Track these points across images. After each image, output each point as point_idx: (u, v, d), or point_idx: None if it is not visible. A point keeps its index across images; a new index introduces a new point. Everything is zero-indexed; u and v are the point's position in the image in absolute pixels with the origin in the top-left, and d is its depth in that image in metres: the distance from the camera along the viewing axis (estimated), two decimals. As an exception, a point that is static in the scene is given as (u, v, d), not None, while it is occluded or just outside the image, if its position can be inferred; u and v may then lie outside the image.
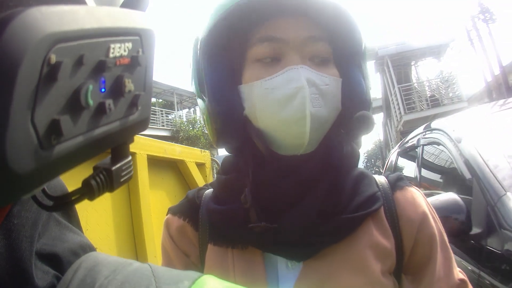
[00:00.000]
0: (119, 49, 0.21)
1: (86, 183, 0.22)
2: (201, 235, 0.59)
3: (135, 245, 1.69)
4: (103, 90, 0.20)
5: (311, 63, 0.54)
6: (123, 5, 0.25)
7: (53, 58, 0.17)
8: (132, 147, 1.86)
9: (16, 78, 0.15)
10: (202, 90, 0.57)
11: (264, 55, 0.54)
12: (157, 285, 0.28)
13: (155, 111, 17.90)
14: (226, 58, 0.56)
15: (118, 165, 0.23)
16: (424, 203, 0.59)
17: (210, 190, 0.63)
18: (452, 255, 0.58)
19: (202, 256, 0.59)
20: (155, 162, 1.89)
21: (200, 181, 2.20)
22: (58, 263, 0.32)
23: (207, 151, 2.48)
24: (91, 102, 0.19)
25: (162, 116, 18.26)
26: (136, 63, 0.22)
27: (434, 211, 0.60)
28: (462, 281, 0.56)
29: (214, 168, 2.59)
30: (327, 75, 0.54)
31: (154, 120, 17.36)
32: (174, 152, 2.08)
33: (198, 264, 0.59)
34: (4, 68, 0.15)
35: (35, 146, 0.17)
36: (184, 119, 18.63)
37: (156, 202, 1.84)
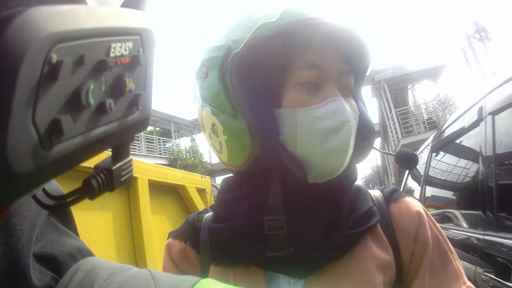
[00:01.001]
0: (119, 49, 0.21)
1: (86, 182, 0.22)
2: (202, 257, 0.60)
3: (137, 270, 1.69)
4: (103, 89, 0.20)
5: (342, 95, 0.54)
6: (123, 5, 0.26)
7: (54, 58, 0.17)
8: (134, 172, 1.89)
9: (17, 77, 0.15)
10: (233, 107, 0.53)
11: (309, 80, 0.53)
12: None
13: (153, 139, 17.86)
14: (262, 78, 0.54)
15: (118, 165, 0.23)
16: (419, 213, 0.58)
17: (209, 214, 0.63)
18: (456, 263, 0.56)
19: (205, 277, 0.59)
20: (156, 187, 1.89)
21: (200, 206, 2.21)
22: (56, 265, 0.32)
23: (208, 177, 2.49)
24: (91, 101, 0.19)
25: (160, 145, 18.31)
26: (136, 62, 0.22)
27: (433, 219, 0.59)
28: None
29: (214, 194, 2.60)
30: (354, 109, 0.55)
31: (151, 148, 17.43)
32: (175, 178, 2.08)
33: None
34: (5, 68, 0.15)
35: (36, 146, 0.17)
36: (182, 148, 18.66)
37: (158, 226, 1.84)
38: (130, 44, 0.22)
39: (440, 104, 12.55)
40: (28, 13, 0.16)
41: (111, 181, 0.23)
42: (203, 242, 0.60)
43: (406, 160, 0.62)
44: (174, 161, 16.05)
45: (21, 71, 0.15)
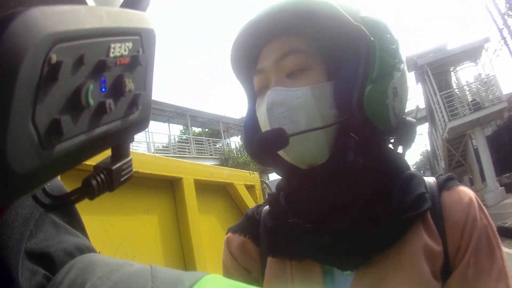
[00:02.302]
0: (119, 49, 0.21)
1: (86, 182, 0.22)
2: (262, 250, 0.60)
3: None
4: (103, 89, 0.20)
5: (290, 78, 0.55)
6: (123, 5, 0.26)
7: (54, 58, 0.17)
8: (178, 172, 1.65)
9: (17, 77, 0.15)
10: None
11: (258, 88, 0.59)
12: (152, 285, 0.27)
13: (202, 141, 18.07)
14: (250, 85, 0.62)
15: (118, 165, 0.23)
16: (472, 204, 0.54)
17: (267, 207, 0.64)
18: (502, 262, 0.52)
19: (264, 270, 0.59)
20: (203, 186, 1.84)
21: (250, 203, 2.14)
22: (50, 263, 0.31)
23: (256, 172, 2.43)
24: (91, 101, 0.19)
25: (210, 146, 18.32)
26: (136, 62, 0.22)
27: (485, 211, 0.56)
28: None
29: (265, 190, 2.57)
30: (297, 87, 0.53)
31: (202, 149, 17.50)
32: (222, 176, 2.02)
33: (260, 279, 0.60)
34: (5, 68, 0.15)
35: (36, 146, 0.17)
36: (233, 147, 18.71)
37: (206, 227, 1.80)
38: (130, 44, 0.22)
39: (482, 84, 12.43)
40: (28, 13, 0.16)
41: (111, 181, 0.23)
42: (263, 236, 0.60)
43: (270, 143, 0.53)
44: (226, 161, 16.01)
45: (21, 71, 0.15)
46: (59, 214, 0.36)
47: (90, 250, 0.36)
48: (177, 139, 18.23)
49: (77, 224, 0.38)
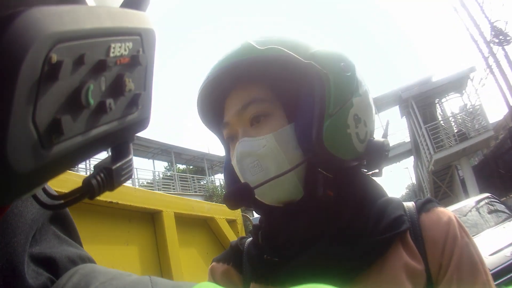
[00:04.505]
0: (119, 49, 0.21)
1: (86, 182, 0.22)
2: (244, 277, 0.62)
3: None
4: (103, 89, 0.20)
5: (254, 127, 0.57)
6: (123, 5, 0.26)
7: (54, 58, 0.17)
8: (158, 205, 1.65)
9: (18, 77, 0.15)
10: None
11: (228, 140, 0.61)
12: None
13: (187, 178, 17.98)
14: (221, 135, 0.64)
15: (118, 164, 0.23)
16: (451, 223, 0.55)
17: (251, 238, 0.66)
18: (486, 277, 0.52)
19: None
20: (184, 220, 1.86)
21: (232, 237, 2.15)
22: (54, 267, 0.32)
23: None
24: (91, 101, 0.19)
25: (194, 182, 18.30)
26: (136, 62, 0.22)
27: (465, 229, 0.56)
28: None
29: (248, 226, 2.56)
30: (262, 136, 0.55)
31: (186, 186, 17.46)
32: (202, 209, 2.05)
33: None
34: (5, 68, 0.15)
35: (36, 145, 0.17)
36: (217, 184, 18.65)
37: (187, 260, 1.81)
38: (130, 44, 0.22)
39: (468, 115, 12.46)
40: (29, 13, 0.16)
41: (111, 180, 0.23)
42: (246, 264, 0.62)
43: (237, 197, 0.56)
44: (210, 198, 15.88)
45: (22, 71, 0.15)
46: (60, 227, 0.37)
47: (91, 260, 0.38)
48: (161, 175, 18.21)
49: (76, 238, 0.39)
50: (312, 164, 0.55)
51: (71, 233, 0.38)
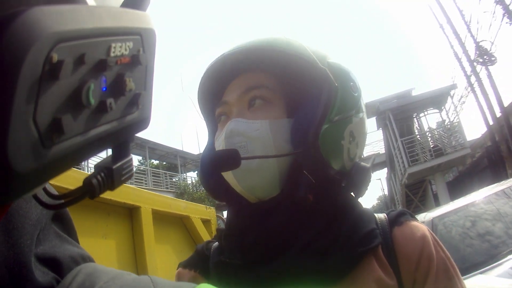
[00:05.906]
0: (120, 48, 0.21)
1: (87, 182, 0.22)
2: (212, 284, 0.60)
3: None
4: (104, 89, 0.20)
5: (251, 111, 0.57)
6: (123, 5, 0.26)
7: (55, 57, 0.17)
8: (137, 201, 1.68)
9: (18, 77, 0.15)
10: None
11: (219, 114, 0.60)
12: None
13: (159, 174, 17.81)
14: (212, 118, 0.65)
15: (119, 164, 0.23)
16: (425, 238, 0.55)
17: (217, 243, 0.65)
18: None
19: None
20: (160, 217, 1.89)
21: (205, 237, 2.21)
22: (58, 267, 0.33)
23: (212, 208, 2.48)
24: (92, 100, 0.19)
25: (166, 179, 18.19)
26: (137, 62, 0.22)
27: (440, 243, 0.57)
28: None
29: (220, 226, 2.60)
30: (258, 120, 0.55)
31: (158, 182, 17.48)
32: (179, 208, 2.09)
33: None
34: (6, 67, 0.15)
35: (37, 145, 0.17)
36: (189, 182, 18.64)
37: (162, 256, 1.84)
38: (131, 44, 0.22)
39: (445, 131, 12.49)
40: (30, 13, 0.16)
41: (112, 180, 0.23)
42: (212, 270, 0.60)
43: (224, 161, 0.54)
44: (181, 195, 15.86)
45: (22, 71, 0.15)
46: (60, 227, 0.37)
47: (92, 260, 0.38)
48: (135, 169, 17.91)
49: (75, 237, 0.39)
50: (298, 164, 0.55)
51: (70, 232, 0.38)
